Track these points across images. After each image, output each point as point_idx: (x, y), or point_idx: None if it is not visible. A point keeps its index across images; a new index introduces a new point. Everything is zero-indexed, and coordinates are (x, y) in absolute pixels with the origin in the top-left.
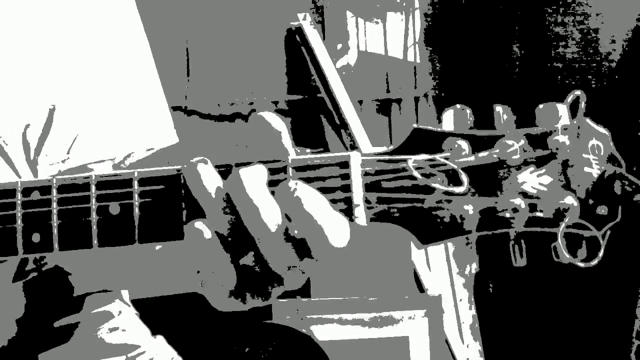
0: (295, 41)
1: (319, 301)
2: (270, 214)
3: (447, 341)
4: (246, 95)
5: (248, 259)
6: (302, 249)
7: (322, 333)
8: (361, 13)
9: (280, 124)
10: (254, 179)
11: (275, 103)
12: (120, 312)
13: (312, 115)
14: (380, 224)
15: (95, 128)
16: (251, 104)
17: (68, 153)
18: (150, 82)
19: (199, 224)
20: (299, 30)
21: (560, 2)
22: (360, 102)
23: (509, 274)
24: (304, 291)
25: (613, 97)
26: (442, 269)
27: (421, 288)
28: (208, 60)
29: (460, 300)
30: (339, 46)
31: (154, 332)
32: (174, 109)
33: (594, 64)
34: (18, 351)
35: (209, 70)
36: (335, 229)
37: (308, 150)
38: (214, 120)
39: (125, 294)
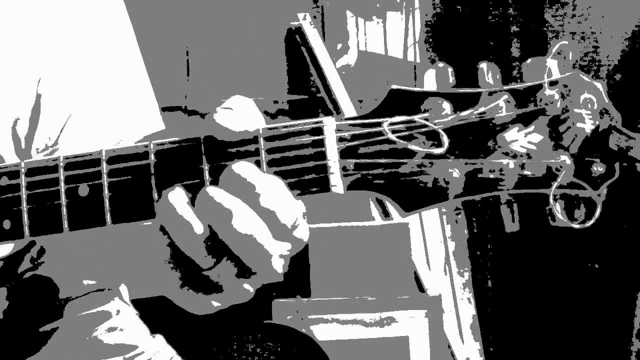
0: (295, 41)
1: (319, 301)
2: (245, 221)
3: (447, 341)
4: (246, 95)
5: (221, 266)
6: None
7: (322, 333)
8: (361, 13)
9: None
10: (220, 195)
11: (276, 103)
12: (118, 311)
13: (312, 115)
14: (360, 192)
15: (82, 117)
16: None
17: (56, 143)
18: (136, 71)
19: (174, 195)
20: (299, 30)
21: (561, 3)
22: (360, 102)
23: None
24: (304, 291)
25: (612, 97)
26: (442, 269)
27: (421, 288)
28: (208, 60)
29: (461, 300)
30: (339, 46)
31: (154, 332)
32: (174, 109)
33: (594, 64)
34: (6, 356)
35: (209, 70)
36: (285, 211)
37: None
38: None
39: (124, 293)
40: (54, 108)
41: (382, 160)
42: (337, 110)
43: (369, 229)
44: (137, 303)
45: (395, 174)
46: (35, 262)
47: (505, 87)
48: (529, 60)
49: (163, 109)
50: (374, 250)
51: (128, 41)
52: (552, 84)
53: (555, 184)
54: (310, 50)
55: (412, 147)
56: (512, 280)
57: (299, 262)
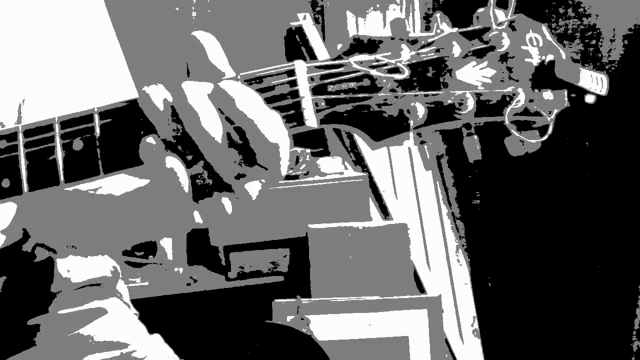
0: (295, 41)
1: (319, 301)
2: (211, 122)
3: (447, 341)
4: None
5: (197, 168)
6: (248, 155)
7: (322, 333)
8: (361, 13)
9: (213, 44)
10: (196, 91)
11: None
12: (114, 308)
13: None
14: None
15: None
16: None
17: None
18: (121, 78)
19: (149, 139)
20: (299, 30)
21: (561, 3)
22: None
23: (506, 277)
24: (304, 291)
25: (613, 96)
26: (442, 269)
27: (421, 288)
28: None
29: (461, 300)
30: (339, 46)
31: (153, 332)
32: None
33: (595, 64)
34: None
35: None
36: (269, 123)
37: (308, 151)
38: None
39: (125, 293)
40: (35, 112)
41: (351, 96)
42: None
43: (368, 229)
44: (138, 304)
45: (364, 107)
46: (30, 256)
47: (457, 30)
48: (480, 10)
49: None
50: (374, 250)
51: (110, 43)
52: (499, 24)
53: (510, 106)
54: (310, 50)
55: (374, 72)
56: (512, 280)
57: (299, 262)
